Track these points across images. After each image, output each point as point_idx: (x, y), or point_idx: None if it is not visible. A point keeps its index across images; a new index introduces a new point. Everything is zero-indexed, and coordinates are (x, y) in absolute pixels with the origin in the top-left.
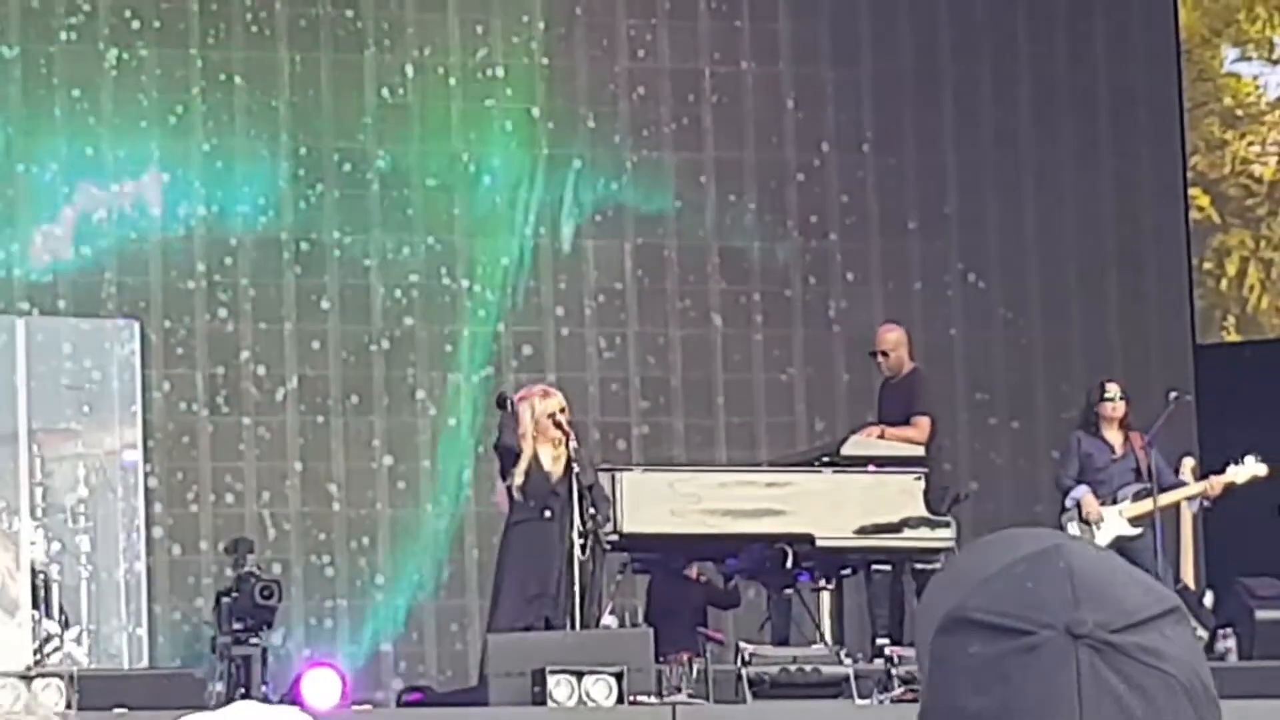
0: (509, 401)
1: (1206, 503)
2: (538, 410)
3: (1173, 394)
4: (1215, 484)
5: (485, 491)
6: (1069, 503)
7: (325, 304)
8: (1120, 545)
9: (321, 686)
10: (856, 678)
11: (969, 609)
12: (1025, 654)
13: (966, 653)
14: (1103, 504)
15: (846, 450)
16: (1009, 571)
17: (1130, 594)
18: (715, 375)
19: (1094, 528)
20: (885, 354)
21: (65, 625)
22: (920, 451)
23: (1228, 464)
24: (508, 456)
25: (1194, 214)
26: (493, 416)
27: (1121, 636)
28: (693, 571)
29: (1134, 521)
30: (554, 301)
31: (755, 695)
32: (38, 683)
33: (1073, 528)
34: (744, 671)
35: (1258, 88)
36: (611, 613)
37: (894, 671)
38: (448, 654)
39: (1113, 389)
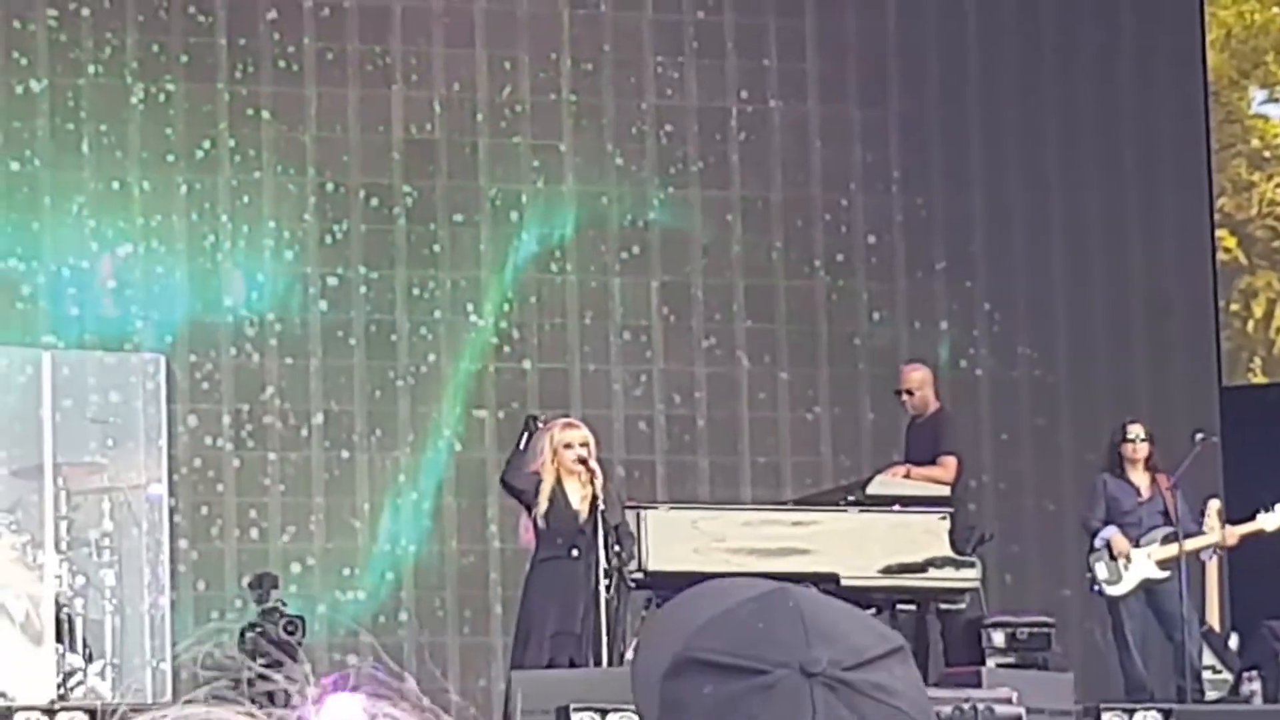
0: (535, 424)
1: (1221, 552)
2: (556, 440)
3: (1199, 435)
4: (1232, 534)
5: (509, 528)
6: (1098, 543)
7: (351, 340)
8: (1148, 587)
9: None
10: None
11: (700, 650)
12: (761, 692)
13: (701, 693)
14: (1130, 545)
15: (872, 489)
16: (736, 613)
17: (858, 633)
18: (741, 413)
19: (1122, 567)
20: (910, 393)
21: (89, 659)
22: (946, 491)
23: (1256, 511)
24: (514, 494)
25: (1221, 255)
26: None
27: (854, 674)
28: None
29: (1162, 565)
30: (580, 339)
31: None
32: (62, 716)
33: (1101, 568)
34: None
35: None
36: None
37: None
38: (471, 690)
39: (1134, 430)
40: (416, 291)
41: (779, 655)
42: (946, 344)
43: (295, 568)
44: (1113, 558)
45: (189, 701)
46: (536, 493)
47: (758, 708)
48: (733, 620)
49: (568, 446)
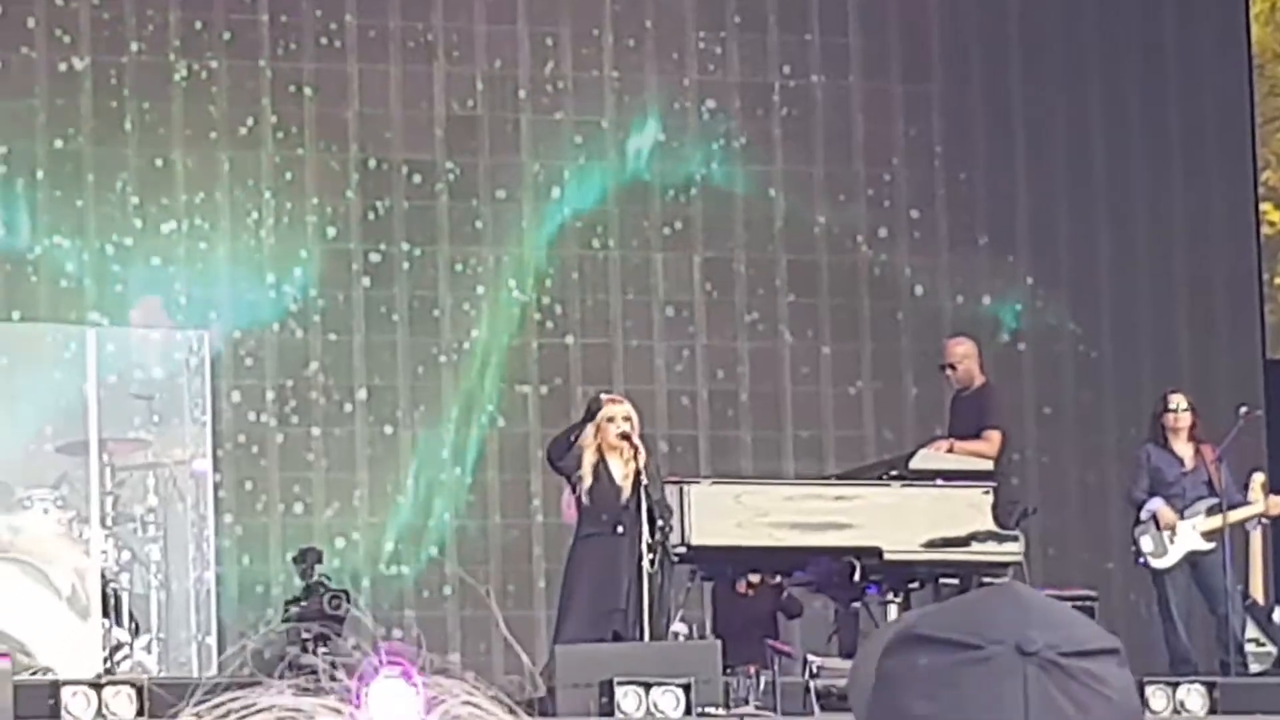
0: (598, 404)
1: (1265, 521)
2: (599, 415)
3: (1243, 409)
4: (1276, 504)
5: (553, 503)
6: (1144, 514)
7: (395, 316)
8: (1192, 559)
9: (391, 696)
10: None
11: (918, 627)
12: (974, 665)
13: (915, 664)
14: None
15: (915, 463)
16: (963, 598)
17: (1079, 626)
18: (783, 388)
19: (1168, 540)
20: (954, 366)
21: (135, 633)
22: (989, 465)
23: None
24: (556, 466)
25: (1265, 229)
26: (560, 427)
27: (1069, 660)
28: (741, 586)
29: (1206, 536)
30: (622, 314)
31: (823, 708)
32: (108, 690)
33: (1146, 541)
34: (811, 684)
35: None
36: (681, 619)
37: None
38: (515, 664)
39: (1176, 400)
40: (459, 267)
41: (996, 633)
42: (989, 318)
43: (339, 542)
44: (1159, 529)
45: (256, 684)
46: (578, 467)
47: (969, 681)
48: (957, 603)
49: (610, 421)
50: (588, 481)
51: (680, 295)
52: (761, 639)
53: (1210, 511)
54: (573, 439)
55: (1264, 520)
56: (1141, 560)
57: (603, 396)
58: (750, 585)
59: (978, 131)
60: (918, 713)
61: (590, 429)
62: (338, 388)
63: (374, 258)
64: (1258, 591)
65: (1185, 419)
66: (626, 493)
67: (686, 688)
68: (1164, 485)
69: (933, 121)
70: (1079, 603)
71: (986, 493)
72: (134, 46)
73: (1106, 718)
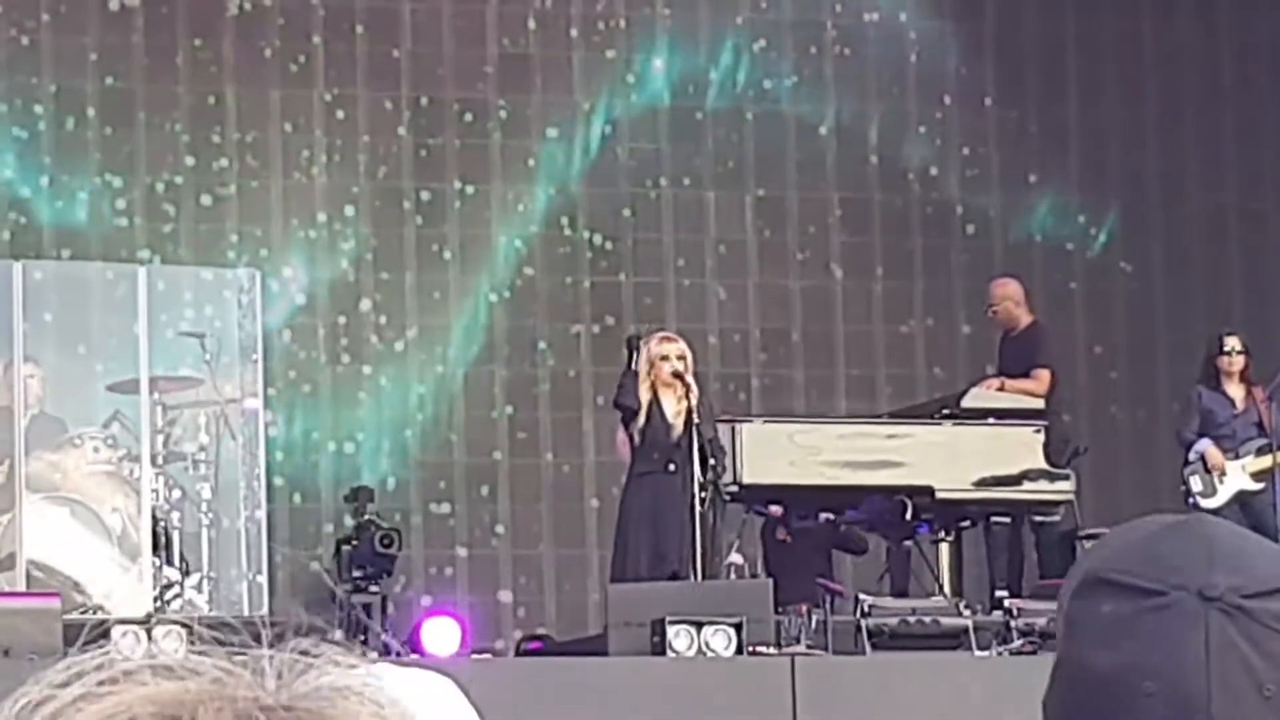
0: (637, 343)
1: None
2: (652, 352)
3: None
4: None
5: (605, 441)
6: (1192, 455)
7: (446, 254)
8: (1242, 499)
9: (441, 635)
10: (975, 630)
11: (1104, 570)
12: (1156, 613)
13: (1099, 611)
14: (1225, 458)
15: (966, 402)
16: (1147, 537)
17: (1264, 563)
18: (835, 327)
19: (1217, 480)
20: (994, 310)
21: (185, 573)
22: (1040, 404)
23: None
24: (626, 413)
25: None
26: (612, 365)
27: (1253, 602)
28: (781, 534)
29: (1256, 477)
30: (675, 252)
31: (874, 647)
32: (159, 629)
33: (1195, 481)
34: (863, 623)
35: None
36: (738, 550)
37: (1013, 624)
38: (567, 603)
39: (1231, 342)
40: (511, 206)
41: (1178, 578)
42: (1041, 257)
43: (390, 482)
44: (1207, 470)
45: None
46: (635, 416)
47: (1150, 629)
48: (1141, 543)
49: (664, 359)
50: (641, 419)
51: (733, 234)
52: (814, 578)
53: (1260, 452)
54: (636, 383)
55: None
56: (1191, 500)
57: (656, 335)
58: (790, 532)
59: (1030, 70)
60: (1100, 665)
61: (644, 366)
62: (390, 326)
63: (425, 196)
64: None
65: (1239, 361)
66: (679, 431)
67: (738, 626)
68: (1215, 426)
69: (985, 60)
70: None
71: (1038, 431)
72: None
73: None
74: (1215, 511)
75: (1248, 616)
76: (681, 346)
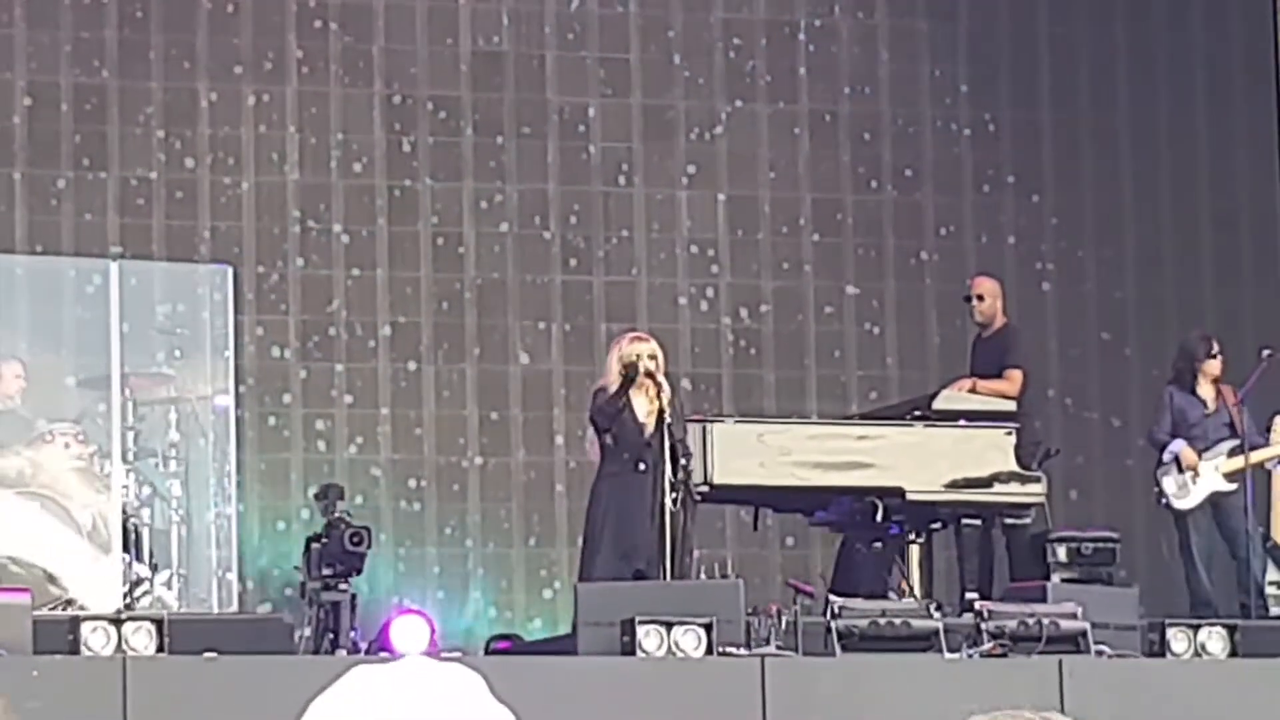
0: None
1: None
2: (624, 353)
3: (1265, 351)
4: None
5: (575, 440)
6: (1166, 456)
7: (418, 251)
8: (1214, 501)
9: (410, 633)
10: (946, 632)
11: None
12: None
13: None
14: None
15: (938, 404)
16: None
17: None
18: (807, 327)
19: (1190, 481)
20: (980, 297)
21: (155, 569)
22: (1012, 406)
23: None
24: (599, 426)
25: None
26: (582, 365)
27: None
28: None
29: (1229, 477)
30: (646, 252)
31: (844, 648)
32: (128, 626)
33: (1169, 482)
34: (833, 624)
35: None
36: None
37: (983, 626)
38: (536, 602)
39: (1216, 345)
40: (484, 204)
41: None
42: (1013, 258)
43: (361, 479)
44: (1181, 471)
45: None
46: (618, 417)
47: None
48: None
49: (637, 357)
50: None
51: (704, 233)
52: (884, 586)
53: (1232, 453)
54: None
55: None
56: (1164, 501)
57: (627, 334)
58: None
59: (1003, 71)
60: None
61: (615, 366)
62: (361, 323)
63: (397, 193)
64: (1279, 534)
65: (1219, 364)
66: (650, 430)
67: (708, 627)
68: (1186, 427)
69: (958, 60)
70: (1101, 544)
71: (1009, 433)
72: None
73: None
74: (1188, 512)
75: None
76: (652, 346)
